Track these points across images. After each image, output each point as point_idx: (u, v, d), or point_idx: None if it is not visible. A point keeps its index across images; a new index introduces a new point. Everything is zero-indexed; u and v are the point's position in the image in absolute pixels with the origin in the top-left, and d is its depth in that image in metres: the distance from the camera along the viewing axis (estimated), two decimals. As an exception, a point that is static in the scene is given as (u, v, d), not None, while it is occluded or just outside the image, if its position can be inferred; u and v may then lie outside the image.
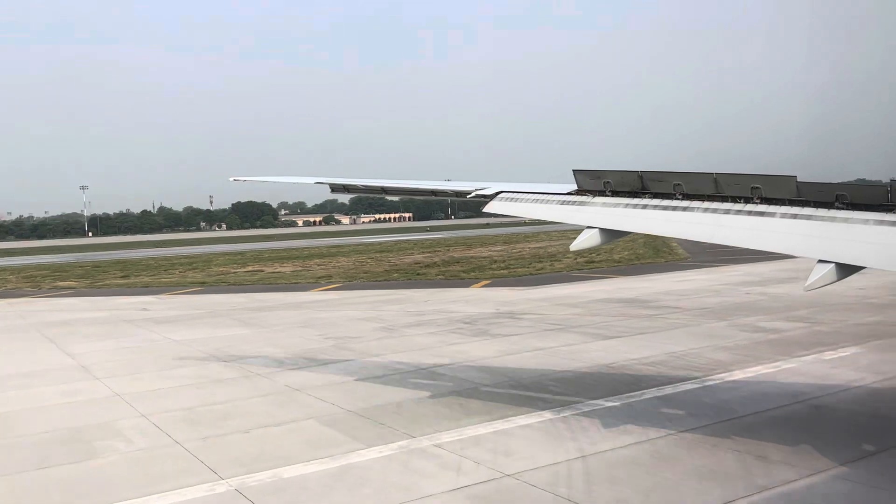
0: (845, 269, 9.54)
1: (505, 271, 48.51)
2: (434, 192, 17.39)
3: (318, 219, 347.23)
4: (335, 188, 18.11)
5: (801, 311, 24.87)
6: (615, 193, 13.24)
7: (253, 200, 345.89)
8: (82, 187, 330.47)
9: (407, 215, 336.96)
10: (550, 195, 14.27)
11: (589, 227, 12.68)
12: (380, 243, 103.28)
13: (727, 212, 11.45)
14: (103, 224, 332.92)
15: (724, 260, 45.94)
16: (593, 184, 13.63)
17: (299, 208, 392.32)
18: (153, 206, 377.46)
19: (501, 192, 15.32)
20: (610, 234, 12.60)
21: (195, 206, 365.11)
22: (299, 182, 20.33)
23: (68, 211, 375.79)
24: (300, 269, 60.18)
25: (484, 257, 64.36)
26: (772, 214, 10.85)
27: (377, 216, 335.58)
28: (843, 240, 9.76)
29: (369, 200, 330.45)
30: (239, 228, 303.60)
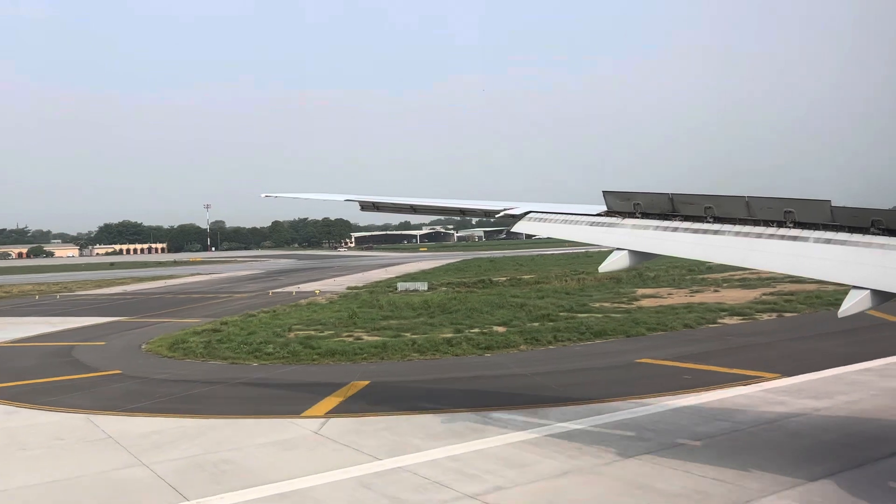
0: (881, 296, 9.38)
1: None
2: (463, 211, 17.48)
3: (22, 251, 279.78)
4: (364, 206, 18.23)
5: None
6: (645, 215, 13.19)
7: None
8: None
9: (159, 246, 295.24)
10: (580, 216, 14.24)
11: (618, 249, 12.64)
12: None
13: (759, 236, 11.32)
14: None
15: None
16: (623, 205, 13.59)
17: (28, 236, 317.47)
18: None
19: (530, 211, 15.33)
20: (640, 257, 12.53)
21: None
22: (329, 199, 20.51)
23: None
24: None
25: None
26: (805, 239, 10.72)
27: (117, 247, 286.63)
28: (879, 266, 9.60)
29: (119, 229, 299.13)
30: None
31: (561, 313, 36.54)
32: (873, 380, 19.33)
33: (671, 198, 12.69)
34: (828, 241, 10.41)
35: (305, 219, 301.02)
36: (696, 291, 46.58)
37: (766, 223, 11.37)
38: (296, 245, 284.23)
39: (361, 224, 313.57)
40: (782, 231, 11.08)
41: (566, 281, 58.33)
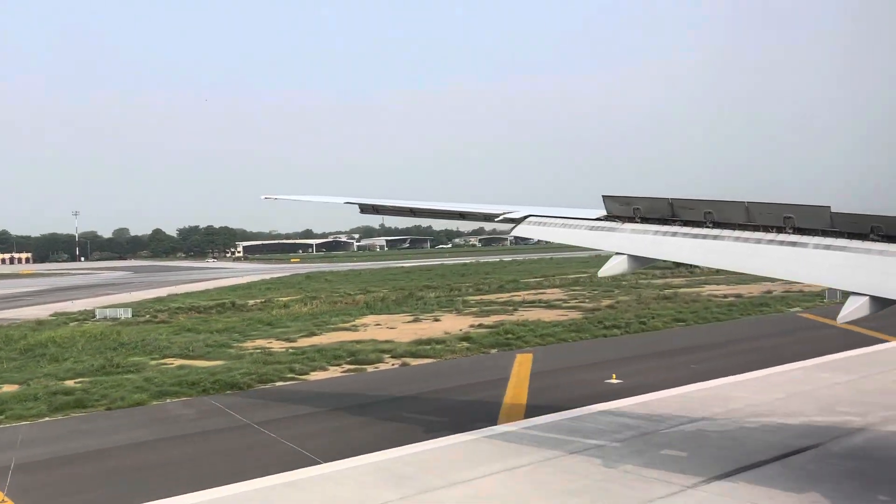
0: (880, 303, 9.39)
1: None
2: (462, 215, 17.48)
3: None
4: (365, 209, 18.23)
5: None
6: (645, 220, 13.19)
7: None
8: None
9: (24, 256, 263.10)
10: (579, 220, 14.25)
11: (618, 254, 12.65)
12: None
13: (758, 241, 11.33)
14: None
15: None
16: (623, 210, 13.60)
17: None
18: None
19: (530, 215, 15.35)
20: (639, 261, 12.55)
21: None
22: (329, 202, 20.52)
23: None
24: None
25: None
26: (804, 245, 10.73)
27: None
28: (879, 272, 9.60)
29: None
30: None
31: (152, 361, 29.77)
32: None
33: (671, 203, 12.71)
34: (827, 247, 10.42)
35: (196, 226, 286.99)
36: (416, 320, 41.98)
37: (766, 229, 11.39)
38: (181, 254, 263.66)
39: (321, 231, 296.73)
40: (782, 237, 11.09)
41: (316, 304, 53.96)
